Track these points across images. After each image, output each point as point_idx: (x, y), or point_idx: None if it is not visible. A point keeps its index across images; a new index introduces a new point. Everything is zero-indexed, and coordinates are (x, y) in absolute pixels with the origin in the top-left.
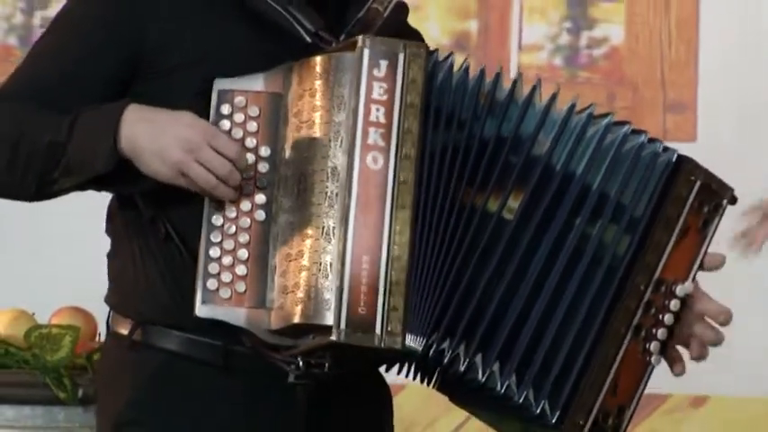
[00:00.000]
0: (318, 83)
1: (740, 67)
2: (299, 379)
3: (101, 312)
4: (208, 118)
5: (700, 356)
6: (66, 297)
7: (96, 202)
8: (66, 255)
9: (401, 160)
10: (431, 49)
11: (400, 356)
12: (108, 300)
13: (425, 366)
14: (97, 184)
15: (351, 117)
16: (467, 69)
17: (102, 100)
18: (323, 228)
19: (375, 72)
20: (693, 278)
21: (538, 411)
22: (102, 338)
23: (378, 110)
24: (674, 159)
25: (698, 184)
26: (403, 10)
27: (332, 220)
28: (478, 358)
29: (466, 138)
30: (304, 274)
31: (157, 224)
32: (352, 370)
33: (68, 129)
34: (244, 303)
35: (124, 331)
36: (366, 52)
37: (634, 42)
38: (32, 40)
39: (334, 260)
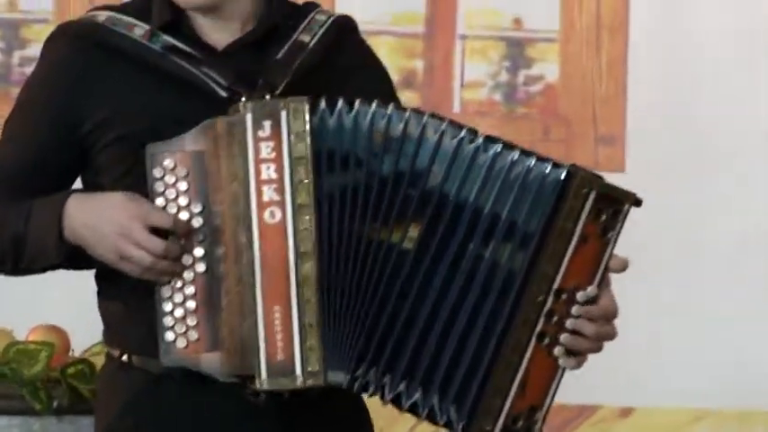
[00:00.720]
0: (221, 143)
1: (665, 104)
2: (265, 402)
3: (74, 329)
4: (147, 174)
5: (595, 350)
6: (41, 315)
7: None
8: (42, 275)
9: (298, 210)
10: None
11: (329, 389)
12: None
13: (356, 390)
14: (63, 267)
15: (244, 178)
16: (357, 111)
17: (59, 182)
18: (239, 279)
19: (260, 133)
20: (599, 283)
21: (444, 420)
22: (76, 354)
23: (268, 168)
24: (562, 176)
25: (593, 193)
26: (343, 28)
27: (245, 272)
28: (387, 379)
29: (365, 176)
30: (232, 325)
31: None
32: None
33: (24, 222)
34: (199, 350)
35: (114, 353)
36: (249, 117)
37: (567, 80)
38: (12, 78)
39: (248, 312)
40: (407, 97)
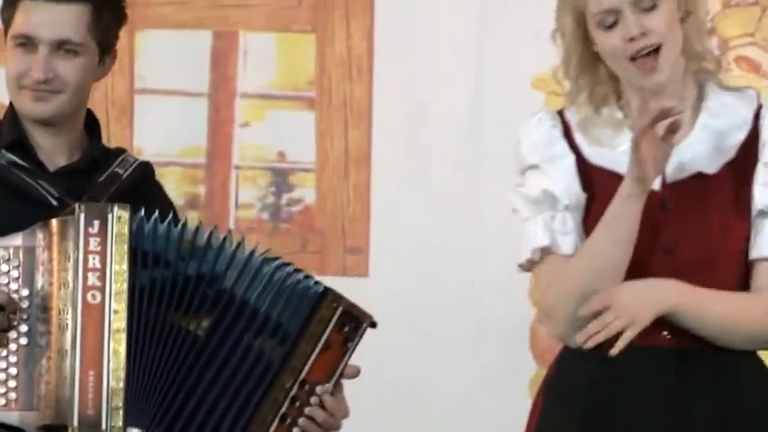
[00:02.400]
0: (55, 239)
1: (403, 221)
2: None
3: None
4: None
5: None
6: None
7: None
8: None
9: (114, 295)
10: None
11: None
12: None
13: None
14: None
15: (74, 265)
16: (170, 222)
17: None
18: (60, 350)
19: (90, 230)
20: (335, 383)
21: None
22: None
23: (94, 258)
24: (320, 290)
25: (339, 309)
26: (146, 169)
27: (67, 343)
28: None
29: (172, 274)
30: (51, 385)
31: None
32: None
33: None
34: (16, 408)
35: None
36: (82, 216)
37: (322, 202)
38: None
39: (67, 375)
40: (191, 217)
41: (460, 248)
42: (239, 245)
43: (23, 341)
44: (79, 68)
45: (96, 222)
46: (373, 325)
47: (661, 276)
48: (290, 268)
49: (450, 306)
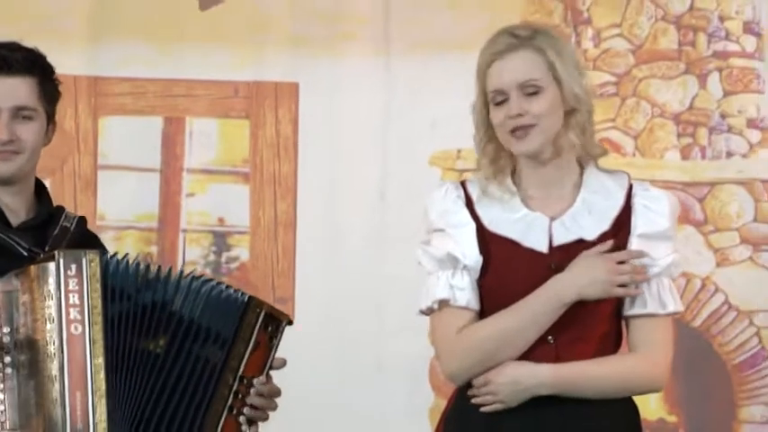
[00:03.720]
0: (34, 283)
1: (322, 277)
2: None
3: None
4: None
5: (264, 418)
6: None
7: None
8: None
9: (92, 326)
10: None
11: None
12: None
13: None
14: None
15: (56, 303)
16: (127, 262)
17: None
18: (48, 375)
19: (69, 272)
20: (266, 374)
21: None
22: None
23: (73, 296)
24: (245, 299)
25: (262, 313)
26: (83, 221)
27: (54, 369)
28: None
29: (133, 305)
30: (39, 406)
31: None
32: None
33: None
34: (6, 428)
35: None
36: (61, 261)
37: (255, 260)
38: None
39: (57, 396)
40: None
41: (368, 298)
42: (181, 273)
43: (8, 371)
44: (35, 132)
45: (73, 266)
46: (290, 322)
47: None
48: (221, 285)
49: (361, 346)
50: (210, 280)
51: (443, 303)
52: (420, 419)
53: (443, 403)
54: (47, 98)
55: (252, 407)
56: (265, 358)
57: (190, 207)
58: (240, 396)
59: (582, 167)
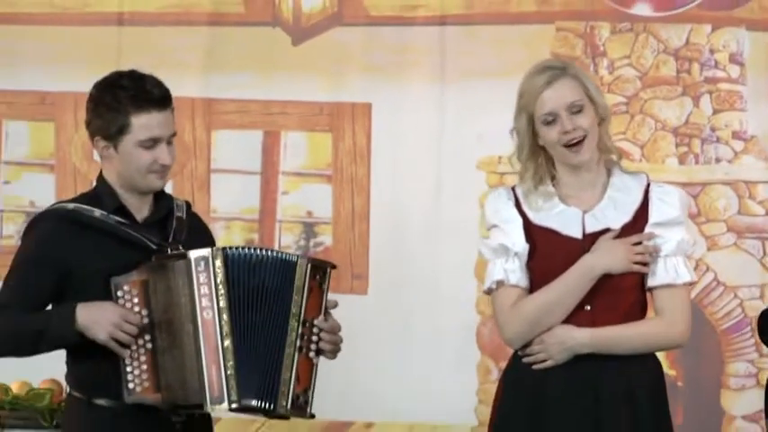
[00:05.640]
0: (169, 274)
1: (391, 261)
2: (180, 423)
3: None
4: (112, 298)
5: (331, 350)
6: (47, 373)
7: None
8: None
9: (220, 310)
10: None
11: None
12: (71, 381)
13: (259, 408)
14: (65, 345)
15: (189, 293)
16: (244, 253)
17: (44, 305)
18: (184, 352)
19: (198, 268)
20: (324, 313)
21: (271, 408)
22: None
23: (203, 288)
24: (294, 259)
25: (308, 265)
26: (189, 205)
27: (192, 348)
28: (259, 401)
29: (245, 290)
30: (174, 376)
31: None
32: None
33: (45, 322)
34: (148, 392)
35: (81, 397)
36: (192, 259)
37: (337, 244)
38: None
39: (194, 368)
40: None
41: (426, 277)
42: (267, 254)
43: (149, 346)
44: (174, 153)
45: (202, 263)
46: (333, 267)
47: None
48: (282, 254)
49: (421, 314)
50: (274, 251)
51: (499, 284)
52: (469, 373)
53: (488, 360)
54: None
55: (316, 343)
56: (320, 300)
57: (284, 203)
58: (306, 336)
59: (608, 170)
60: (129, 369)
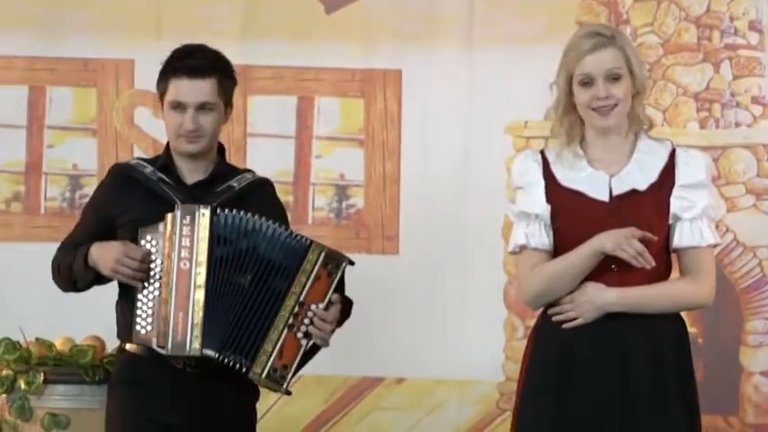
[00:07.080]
0: (169, 228)
1: (420, 221)
2: (183, 368)
3: (107, 338)
4: (137, 243)
5: (321, 338)
6: (90, 329)
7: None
8: (88, 307)
9: (197, 263)
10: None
11: (202, 359)
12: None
13: (220, 360)
14: (94, 284)
15: (170, 243)
16: (239, 216)
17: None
18: (165, 299)
19: (184, 222)
20: (327, 302)
21: (238, 367)
22: (107, 351)
23: (185, 241)
24: (308, 243)
25: (323, 253)
26: (262, 184)
27: (166, 294)
28: (230, 355)
29: (232, 249)
30: (160, 322)
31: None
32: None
33: (73, 259)
34: (151, 336)
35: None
36: (178, 212)
37: (369, 207)
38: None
39: (168, 315)
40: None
41: (455, 237)
42: (269, 225)
43: (156, 293)
44: (213, 120)
45: (188, 217)
46: (350, 263)
47: (608, 259)
48: (295, 234)
49: (450, 273)
50: (288, 230)
51: (522, 247)
52: (496, 330)
53: (515, 318)
54: (224, 91)
55: (307, 326)
56: (326, 289)
57: (318, 166)
58: (300, 317)
59: (636, 135)
60: (138, 312)
